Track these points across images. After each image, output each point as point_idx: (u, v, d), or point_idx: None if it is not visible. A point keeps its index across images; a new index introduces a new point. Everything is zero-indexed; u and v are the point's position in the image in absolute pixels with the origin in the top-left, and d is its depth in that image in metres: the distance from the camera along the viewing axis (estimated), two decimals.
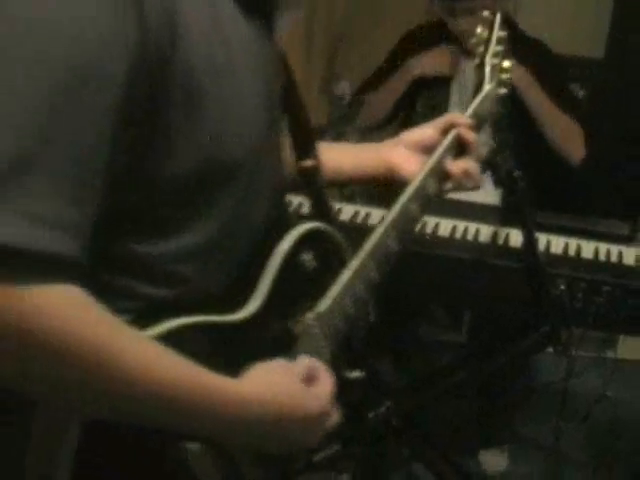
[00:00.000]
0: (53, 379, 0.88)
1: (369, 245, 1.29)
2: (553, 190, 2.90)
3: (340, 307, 1.22)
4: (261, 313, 1.11)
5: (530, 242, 2.09)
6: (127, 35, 0.88)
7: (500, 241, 2.37)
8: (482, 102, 1.64)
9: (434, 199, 1.45)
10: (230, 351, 1.07)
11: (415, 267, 2.20)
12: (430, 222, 2.40)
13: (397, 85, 2.98)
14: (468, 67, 3.02)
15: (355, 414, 1.05)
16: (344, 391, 1.18)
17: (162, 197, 1.00)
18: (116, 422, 0.94)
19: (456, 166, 1.46)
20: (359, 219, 2.42)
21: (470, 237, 2.38)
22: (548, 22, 3.80)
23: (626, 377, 3.15)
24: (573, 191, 3.39)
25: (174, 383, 0.93)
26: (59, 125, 0.84)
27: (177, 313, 1.01)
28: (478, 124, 1.56)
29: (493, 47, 1.75)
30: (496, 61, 1.73)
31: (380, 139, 1.62)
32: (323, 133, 2.95)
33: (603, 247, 2.37)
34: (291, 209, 2.22)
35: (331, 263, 1.24)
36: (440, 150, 1.46)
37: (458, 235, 2.37)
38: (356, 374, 1.31)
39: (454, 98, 3.04)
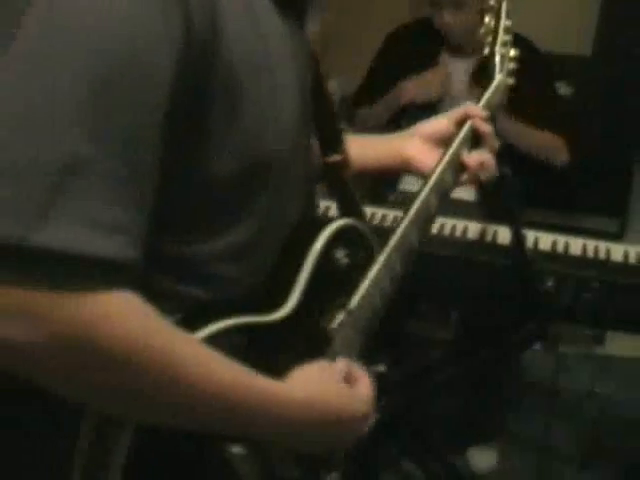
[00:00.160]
0: (115, 387, 0.86)
1: (394, 239, 1.29)
2: (541, 187, 2.90)
3: (369, 302, 1.22)
4: (298, 312, 1.11)
5: (518, 239, 2.09)
6: (173, 33, 0.87)
7: (488, 238, 2.37)
8: (495, 93, 1.64)
9: (448, 192, 1.46)
10: (270, 351, 1.07)
11: None
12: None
13: (390, 105, 2.99)
14: (454, 65, 3.03)
15: None
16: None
17: (206, 197, 0.99)
18: (163, 426, 0.93)
19: (472, 158, 1.46)
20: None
21: (458, 234, 2.38)
22: (536, 20, 3.80)
23: (614, 373, 3.17)
24: (561, 188, 3.40)
25: (230, 387, 0.92)
26: (110, 126, 0.83)
27: (219, 314, 1.01)
28: (491, 115, 1.55)
29: (501, 36, 1.75)
30: (504, 50, 1.73)
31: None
32: None
33: (591, 244, 2.37)
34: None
35: (361, 259, 1.24)
36: (457, 142, 1.46)
37: (446, 232, 2.37)
38: (381, 368, 1.31)
39: (444, 102, 3.04)
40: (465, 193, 2.85)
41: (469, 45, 3.01)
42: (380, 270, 1.25)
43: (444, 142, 1.48)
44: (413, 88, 2.93)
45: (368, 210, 2.43)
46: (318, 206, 1.34)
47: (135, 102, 0.84)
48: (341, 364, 1.11)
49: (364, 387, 1.11)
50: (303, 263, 1.14)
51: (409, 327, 3.05)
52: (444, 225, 2.39)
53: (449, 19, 2.89)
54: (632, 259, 2.33)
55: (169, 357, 0.87)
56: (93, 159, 0.81)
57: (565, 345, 2.87)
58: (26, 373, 0.85)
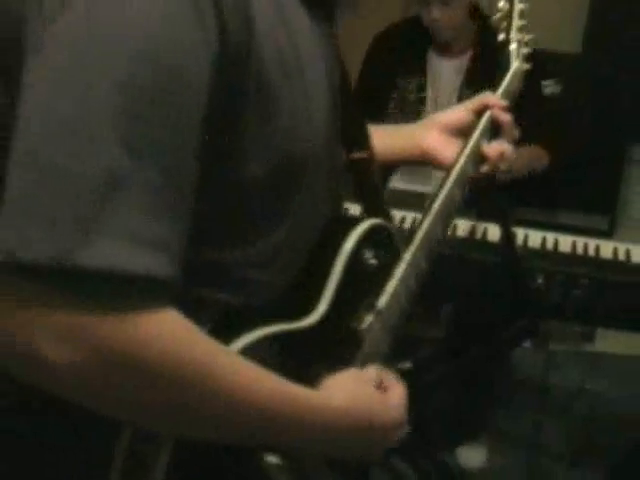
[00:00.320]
0: (160, 403, 0.85)
1: (420, 236, 1.27)
2: (531, 185, 2.90)
3: (397, 301, 1.21)
4: (328, 316, 1.09)
5: (508, 236, 2.09)
6: (209, 38, 0.85)
7: (478, 235, 2.37)
8: (512, 80, 1.61)
9: (469, 185, 1.43)
10: (303, 358, 1.05)
11: None
12: (408, 217, 2.40)
13: None
14: (441, 65, 3.03)
15: None
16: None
17: (241, 201, 0.97)
18: (202, 440, 0.92)
19: (492, 148, 1.43)
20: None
21: (448, 232, 2.38)
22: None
23: (604, 370, 3.17)
24: (551, 186, 3.40)
25: (268, 397, 0.91)
26: (149, 137, 0.80)
27: (251, 322, 0.99)
28: (510, 103, 1.53)
29: (516, 21, 1.70)
30: (520, 36, 1.69)
31: None
32: None
33: (580, 241, 2.38)
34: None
35: (388, 258, 1.22)
36: (477, 133, 1.43)
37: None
38: (407, 365, 1.29)
39: (429, 98, 3.05)
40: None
41: (457, 43, 3.01)
42: (406, 268, 1.22)
43: (462, 132, 1.45)
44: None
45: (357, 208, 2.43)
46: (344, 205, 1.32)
47: (173, 111, 0.82)
48: (373, 372, 1.10)
49: (397, 395, 1.10)
50: (332, 265, 1.12)
51: None
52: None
53: (437, 15, 2.88)
54: (621, 256, 2.33)
55: (211, 370, 0.86)
56: (132, 172, 0.79)
57: (555, 342, 2.87)
58: (67, 394, 0.84)
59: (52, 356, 0.78)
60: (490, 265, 2.25)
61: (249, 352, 0.95)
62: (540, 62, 3.12)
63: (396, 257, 1.23)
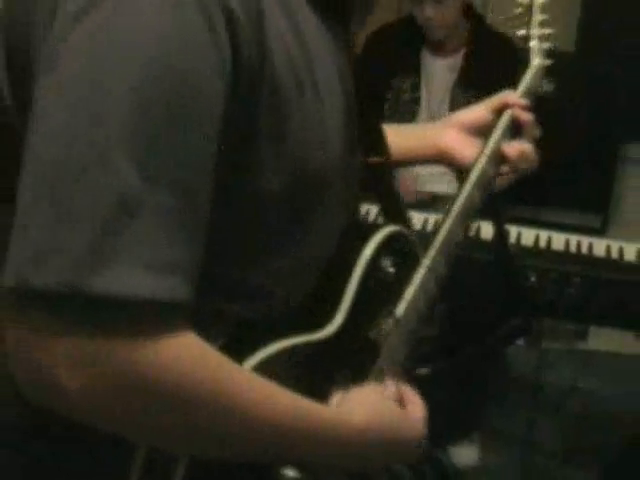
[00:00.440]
0: (178, 425, 0.85)
1: (439, 240, 1.24)
2: (524, 183, 2.91)
3: (415, 307, 1.18)
4: (346, 326, 1.07)
5: (501, 234, 2.09)
6: (223, 58, 0.83)
7: (471, 233, 2.37)
8: (533, 78, 1.58)
9: (489, 185, 1.39)
10: (320, 369, 1.04)
11: None
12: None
13: None
14: (435, 64, 3.03)
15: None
16: (417, 389, 1.15)
17: (257, 218, 0.96)
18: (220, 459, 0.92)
19: (513, 148, 1.40)
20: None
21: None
22: None
23: (597, 368, 3.18)
24: (544, 184, 3.40)
25: (283, 416, 0.90)
26: (162, 158, 0.79)
27: (268, 335, 0.98)
28: (531, 101, 1.50)
29: (537, 15, 1.65)
30: (541, 31, 1.64)
31: None
32: None
33: (574, 239, 2.38)
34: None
35: (407, 265, 1.20)
36: (498, 133, 1.40)
37: (429, 228, 2.37)
38: (424, 370, 1.29)
39: (423, 98, 3.05)
40: (446, 186, 2.85)
41: (450, 41, 3.01)
42: (425, 274, 1.20)
43: (481, 132, 1.42)
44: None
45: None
46: (361, 213, 1.31)
47: (187, 132, 0.81)
48: (391, 386, 1.09)
49: (417, 409, 1.09)
50: (350, 275, 1.10)
51: None
52: (427, 220, 2.39)
53: (430, 13, 2.89)
54: (614, 254, 2.33)
55: (226, 390, 0.85)
56: (146, 196, 0.77)
57: (548, 340, 2.88)
58: (83, 419, 0.84)
59: (68, 383, 0.78)
60: (483, 263, 2.25)
61: (264, 367, 0.94)
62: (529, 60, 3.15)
63: (415, 263, 1.21)
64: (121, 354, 0.78)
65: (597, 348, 3.49)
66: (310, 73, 0.96)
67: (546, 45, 1.63)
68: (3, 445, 0.99)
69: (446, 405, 3.13)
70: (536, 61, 1.61)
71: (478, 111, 1.46)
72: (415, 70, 3.05)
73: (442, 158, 1.44)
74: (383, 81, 3.01)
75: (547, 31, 1.64)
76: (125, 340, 0.78)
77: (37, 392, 0.82)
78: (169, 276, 0.79)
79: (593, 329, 3.52)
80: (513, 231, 2.36)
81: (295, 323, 1.04)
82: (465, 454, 2.96)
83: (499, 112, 1.44)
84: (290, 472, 0.98)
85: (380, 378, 1.10)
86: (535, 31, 1.63)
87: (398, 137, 1.43)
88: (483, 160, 1.36)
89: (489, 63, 2.97)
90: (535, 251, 2.33)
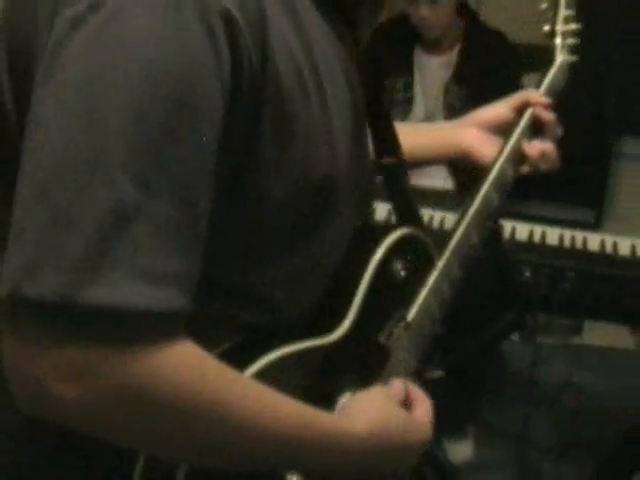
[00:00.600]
0: (172, 435, 0.84)
1: (453, 242, 1.23)
2: (518, 178, 2.91)
3: (427, 311, 1.17)
4: (354, 330, 1.06)
5: (495, 229, 2.09)
6: (223, 68, 0.82)
7: (454, 223, 2.37)
8: (556, 76, 1.55)
9: (509, 186, 1.37)
10: (327, 374, 1.03)
11: None
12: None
13: None
14: (429, 62, 3.03)
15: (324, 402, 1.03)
16: (427, 392, 1.14)
17: (264, 224, 0.95)
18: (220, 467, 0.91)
19: (533, 148, 1.38)
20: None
21: (436, 225, 2.38)
22: (512, 11, 3.81)
23: (592, 363, 3.17)
24: (538, 179, 3.41)
25: (283, 425, 0.89)
26: (159, 169, 0.78)
27: (273, 341, 0.97)
28: (553, 100, 1.47)
29: (563, 11, 1.61)
30: (566, 27, 1.60)
31: None
32: None
33: (568, 234, 2.38)
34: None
35: (419, 268, 1.18)
36: (518, 132, 1.38)
37: (426, 225, 2.37)
38: (438, 373, 1.27)
39: (418, 96, 3.05)
40: (443, 181, 2.85)
41: (445, 39, 3.01)
42: (438, 277, 1.19)
43: (502, 130, 1.40)
44: None
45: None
46: (373, 216, 1.27)
47: (185, 143, 0.80)
48: (398, 385, 1.07)
49: (423, 411, 1.07)
50: (360, 279, 1.08)
51: None
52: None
53: (425, 14, 2.89)
54: (608, 249, 2.34)
55: (224, 399, 0.85)
56: (143, 207, 0.77)
57: (543, 335, 2.88)
58: (79, 428, 0.83)
59: (63, 393, 0.77)
60: (477, 258, 2.25)
61: (267, 373, 0.93)
62: (522, 56, 3.15)
63: (429, 265, 1.19)
64: (117, 365, 0.78)
65: (592, 343, 3.50)
66: (314, 75, 0.94)
67: (571, 41, 1.60)
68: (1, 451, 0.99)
69: (441, 400, 3.13)
70: (560, 58, 1.57)
71: (499, 109, 1.44)
72: (408, 70, 3.05)
73: (462, 157, 1.42)
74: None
75: (573, 27, 1.60)
76: (121, 351, 0.78)
77: (32, 402, 0.81)
78: (165, 286, 0.78)
79: (588, 324, 3.53)
80: (507, 226, 2.36)
81: (303, 328, 1.02)
82: (459, 450, 2.96)
83: (520, 110, 1.41)
84: (294, 479, 0.97)
85: (388, 380, 1.09)
86: (560, 27, 1.59)
87: (418, 137, 1.43)
88: (502, 160, 1.34)
89: (484, 60, 2.97)
90: (529, 246, 2.33)
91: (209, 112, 0.82)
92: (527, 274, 2.25)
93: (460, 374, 2.93)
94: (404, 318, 1.14)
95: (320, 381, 1.02)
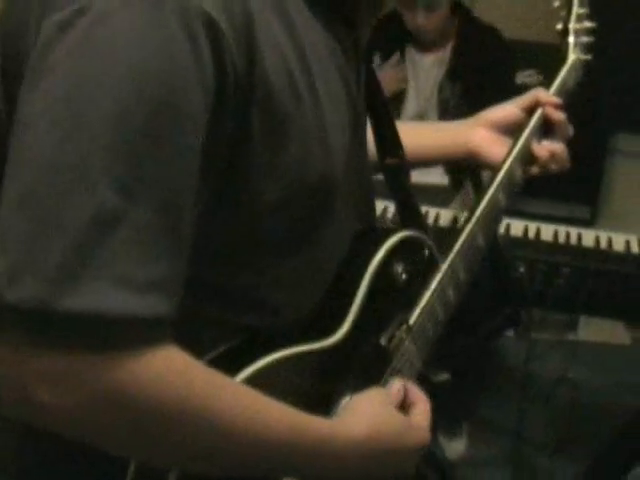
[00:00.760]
0: (155, 442, 0.84)
1: (459, 244, 1.22)
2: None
3: (431, 315, 1.16)
4: (353, 333, 1.05)
5: None
6: (206, 75, 0.81)
7: (460, 224, 2.37)
8: (568, 74, 1.53)
9: (517, 187, 1.36)
10: (324, 378, 1.02)
11: None
12: (391, 208, 2.40)
13: None
14: (422, 60, 3.02)
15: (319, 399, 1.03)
16: (433, 396, 1.13)
17: (258, 227, 0.94)
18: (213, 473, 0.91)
19: (543, 149, 1.37)
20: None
21: (430, 221, 2.38)
22: (506, 7, 3.81)
23: (587, 359, 3.18)
24: (533, 176, 3.41)
25: (275, 431, 0.89)
26: (142, 175, 0.78)
27: (269, 344, 0.96)
28: (565, 100, 1.46)
29: (576, 10, 1.59)
30: (579, 25, 1.58)
31: None
32: None
33: (562, 229, 2.38)
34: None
35: (422, 270, 1.17)
36: (527, 132, 1.36)
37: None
38: (445, 376, 1.26)
39: (410, 94, 3.04)
40: (440, 178, 2.85)
41: (438, 38, 3.01)
42: (442, 280, 1.17)
43: (512, 130, 1.39)
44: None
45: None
46: (375, 218, 1.26)
47: (168, 148, 0.79)
48: (397, 387, 1.06)
49: (421, 413, 1.06)
50: (360, 280, 1.07)
51: None
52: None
53: (422, 22, 2.89)
54: (603, 244, 2.34)
55: (212, 405, 0.84)
56: (124, 213, 0.76)
57: (537, 331, 2.88)
58: (65, 434, 0.83)
59: (46, 399, 0.77)
60: None
61: (261, 378, 0.92)
62: (516, 52, 3.15)
63: (432, 268, 1.18)
64: (99, 371, 0.77)
65: (587, 339, 3.50)
66: (307, 76, 0.93)
67: (585, 39, 1.58)
68: None
69: (437, 396, 3.13)
70: (572, 57, 1.56)
71: (509, 109, 1.42)
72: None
73: (470, 157, 1.41)
74: None
75: (587, 25, 1.59)
76: (103, 357, 0.77)
77: (17, 408, 0.81)
78: (147, 293, 0.78)
79: (583, 320, 3.53)
80: (502, 222, 2.36)
81: (301, 332, 1.02)
82: (453, 447, 2.96)
83: (531, 110, 1.40)
84: None
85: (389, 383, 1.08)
86: (573, 25, 1.57)
87: (425, 135, 1.43)
88: (510, 161, 1.33)
89: (477, 56, 2.97)
90: (524, 242, 2.33)
91: (192, 116, 0.81)
92: (522, 270, 2.25)
93: (455, 371, 2.94)
94: (406, 321, 1.13)
95: (319, 385, 1.01)
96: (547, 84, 1.50)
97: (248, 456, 0.89)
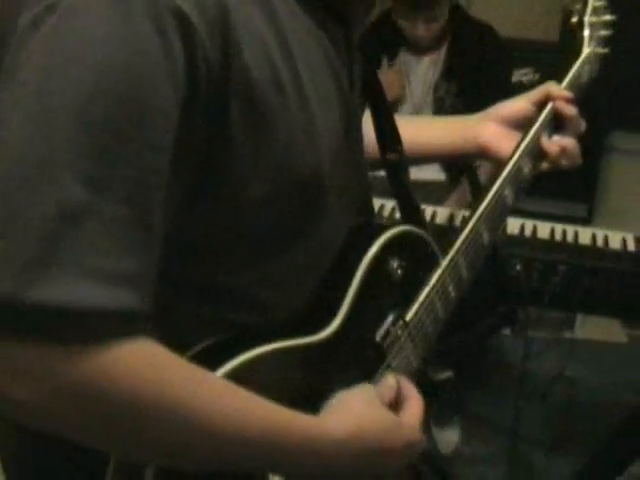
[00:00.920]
0: (126, 435, 0.83)
1: (460, 241, 1.20)
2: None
3: (430, 312, 1.15)
4: (345, 328, 1.04)
5: None
6: (176, 71, 0.81)
7: (457, 223, 2.37)
8: (581, 69, 1.51)
9: (526, 183, 1.34)
10: (315, 373, 1.01)
11: None
12: (387, 205, 2.40)
13: None
14: (417, 61, 3.02)
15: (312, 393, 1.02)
16: (435, 394, 1.13)
17: (245, 223, 0.94)
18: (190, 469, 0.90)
19: (553, 144, 1.36)
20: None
21: (427, 219, 2.38)
22: (503, 5, 3.81)
23: (584, 357, 3.18)
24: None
25: (255, 428, 0.88)
26: (108, 169, 0.78)
27: (256, 339, 0.95)
28: (578, 94, 1.44)
29: (592, 2, 1.57)
30: (595, 19, 1.56)
31: None
32: None
33: (559, 227, 2.38)
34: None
35: (420, 267, 1.15)
36: (536, 127, 1.35)
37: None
38: (447, 374, 1.25)
39: (406, 95, 3.04)
40: (435, 174, 2.85)
41: (435, 43, 3.00)
42: (441, 277, 1.16)
43: (522, 125, 1.37)
44: None
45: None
46: (374, 214, 1.25)
47: (135, 143, 0.79)
48: (390, 383, 1.05)
49: (411, 411, 1.04)
50: (353, 275, 1.06)
51: None
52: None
53: (422, 33, 2.88)
54: (600, 242, 2.34)
55: (183, 406, 0.83)
56: (90, 207, 0.77)
57: (534, 329, 2.88)
58: (37, 428, 0.83)
59: (16, 393, 0.77)
60: None
61: (243, 373, 0.92)
62: (512, 51, 3.15)
63: (432, 265, 1.17)
64: (68, 363, 0.77)
65: (584, 337, 3.50)
66: (291, 69, 0.93)
67: (603, 32, 1.55)
68: None
69: (438, 394, 3.13)
70: (586, 50, 1.53)
71: (519, 103, 1.41)
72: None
73: (479, 153, 1.39)
74: None
75: (605, 18, 1.56)
76: (72, 350, 0.77)
77: None
78: (114, 286, 0.78)
79: (580, 318, 3.53)
80: None
81: (291, 327, 1.01)
82: (447, 438, 2.95)
83: (542, 104, 1.38)
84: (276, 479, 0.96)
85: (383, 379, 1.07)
86: (588, 18, 1.55)
87: (435, 130, 1.41)
88: (517, 156, 1.31)
89: (473, 54, 2.97)
90: (521, 240, 2.33)
91: (161, 111, 0.81)
92: (518, 268, 2.25)
93: (453, 368, 2.94)
94: (402, 317, 1.12)
95: (307, 381, 1.00)
96: (543, 82, 1.48)
97: (227, 452, 0.88)
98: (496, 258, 2.15)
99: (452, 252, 1.19)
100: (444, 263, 1.17)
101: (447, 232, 2.32)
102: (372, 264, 1.07)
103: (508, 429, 2.73)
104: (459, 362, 2.95)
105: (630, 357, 3.49)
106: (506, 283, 2.21)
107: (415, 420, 1.04)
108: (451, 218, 2.38)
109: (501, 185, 1.28)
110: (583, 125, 1.42)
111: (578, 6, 1.56)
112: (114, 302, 0.78)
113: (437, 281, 1.16)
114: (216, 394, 0.87)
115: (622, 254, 2.31)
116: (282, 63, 0.91)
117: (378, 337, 1.09)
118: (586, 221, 3.67)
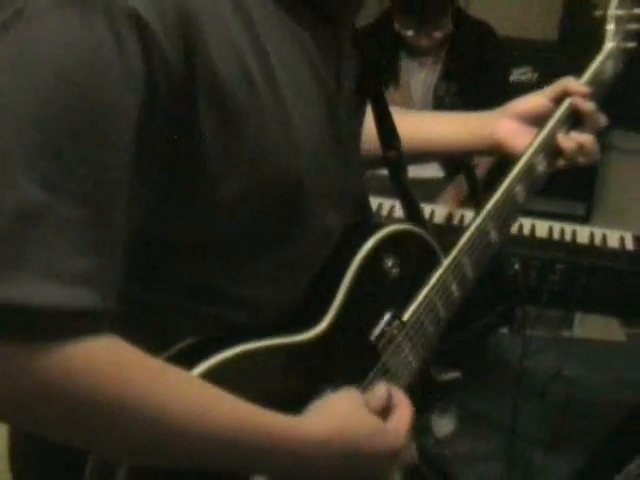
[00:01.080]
0: (92, 434, 0.83)
1: (464, 239, 1.18)
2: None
3: (430, 311, 1.13)
4: (337, 328, 1.02)
5: None
6: (131, 65, 0.81)
7: (455, 222, 2.38)
8: (603, 64, 1.47)
9: (540, 180, 1.31)
10: (301, 373, 0.99)
11: None
12: (385, 204, 2.40)
13: None
14: (417, 63, 3.01)
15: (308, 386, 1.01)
16: (439, 394, 1.12)
17: (223, 224, 0.93)
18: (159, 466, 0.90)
19: (570, 140, 1.32)
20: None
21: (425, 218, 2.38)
22: (502, 5, 3.81)
23: (582, 356, 3.18)
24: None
25: (228, 427, 0.87)
26: (65, 170, 0.78)
27: (239, 338, 0.94)
28: (601, 90, 1.41)
29: None
30: (621, 12, 1.50)
31: None
32: None
33: (557, 226, 2.39)
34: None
35: (418, 266, 1.13)
36: (552, 123, 1.31)
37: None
38: (454, 375, 1.24)
39: (406, 96, 3.03)
40: (435, 171, 2.85)
41: (436, 49, 2.99)
42: (443, 276, 1.14)
43: (540, 121, 1.33)
44: None
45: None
46: (371, 214, 1.23)
47: (92, 144, 0.80)
48: (380, 392, 1.02)
49: (398, 419, 1.02)
50: (345, 273, 1.04)
51: None
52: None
53: (426, 43, 2.87)
54: (598, 241, 2.34)
55: (147, 404, 0.83)
56: (48, 207, 0.77)
57: (532, 328, 2.88)
58: (6, 422, 0.83)
59: None
60: None
61: (221, 372, 0.91)
62: (511, 50, 3.15)
63: (434, 264, 1.15)
64: (27, 362, 0.77)
65: (582, 336, 3.51)
66: (265, 69, 0.92)
67: (631, 26, 1.49)
68: None
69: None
70: (609, 45, 1.49)
71: (536, 99, 1.37)
72: (395, 75, 3.02)
73: (495, 149, 1.36)
74: None
75: (635, 11, 1.50)
76: (30, 347, 0.77)
77: None
78: (73, 285, 0.78)
79: (578, 317, 3.54)
80: None
81: (279, 326, 1.00)
82: (443, 424, 2.96)
83: (559, 100, 1.35)
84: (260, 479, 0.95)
85: (375, 385, 1.05)
86: (613, 12, 1.50)
87: (451, 125, 1.38)
88: (530, 153, 1.29)
89: (471, 53, 2.96)
90: (519, 238, 2.33)
91: (118, 113, 0.81)
92: (516, 267, 2.25)
93: (451, 366, 2.94)
94: (399, 317, 1.11)
95: (293, 380, 0.99)
96: (542, 82, 1.46)
97: (199, 452, 0.87)
98: (494, 257, 2.15)
99: (455, 251, 1.17)
100: (445, 262, 1.16)
101: (445, 231, 2.32)
102: (365, 262, 1.05)
103: (506, 427, 2.73)
104: (457, 361, 2.95)
105: (628, 356, 3.49)
106: (504, 282, 2.21)
107: (402, 427, 1.02)
108: (449, 217, 2.38)
109: (512, 182, 1.26)
110: (603, 121, 1.38)
111: None
112: (73, 301, 0.78)
113: (437, 281, 1.15)
114: (184, 393, 0.86)
115: (620, 253, 2.31)
116: (253, 59, 0.91)
117: (373, 337, 1.08)
118: (584, 220, 3.67)
